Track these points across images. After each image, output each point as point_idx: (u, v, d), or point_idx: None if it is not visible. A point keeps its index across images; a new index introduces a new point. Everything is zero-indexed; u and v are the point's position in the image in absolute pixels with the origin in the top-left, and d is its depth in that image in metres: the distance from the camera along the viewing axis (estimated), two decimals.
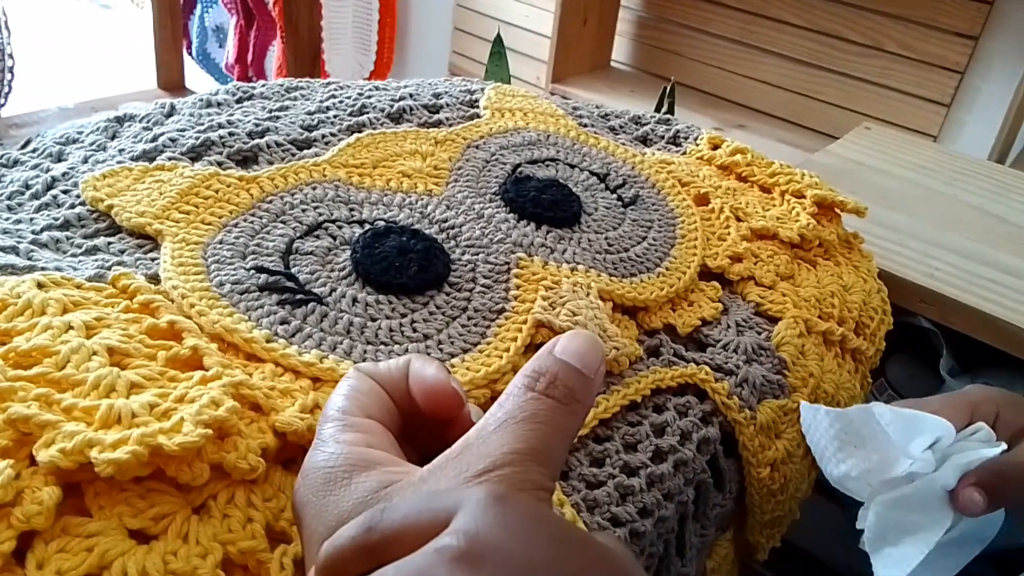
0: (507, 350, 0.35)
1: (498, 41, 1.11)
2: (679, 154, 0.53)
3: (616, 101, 1.43)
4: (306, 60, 1.72)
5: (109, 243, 0.37)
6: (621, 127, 0.56)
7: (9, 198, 0.40)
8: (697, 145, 0.54)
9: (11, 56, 1.84)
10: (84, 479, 0.24)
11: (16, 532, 0.22)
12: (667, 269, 0.42)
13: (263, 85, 0.52)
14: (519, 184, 0.44)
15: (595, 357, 0.22)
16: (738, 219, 0.47)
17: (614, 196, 0.46)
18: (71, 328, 0.28)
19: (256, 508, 0.26)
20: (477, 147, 0.48)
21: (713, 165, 0.52)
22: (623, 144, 0.52)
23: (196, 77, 1.95)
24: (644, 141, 0.55)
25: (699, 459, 0.36)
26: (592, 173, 0.47)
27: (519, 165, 0.47)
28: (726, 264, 0.43)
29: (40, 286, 0.31)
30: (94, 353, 0.27)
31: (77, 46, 2.46)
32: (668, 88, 0.95)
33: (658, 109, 0.96)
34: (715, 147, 0.54)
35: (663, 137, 0.56)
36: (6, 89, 1.86)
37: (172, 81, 1.68)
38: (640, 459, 0.34)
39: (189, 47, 2.12)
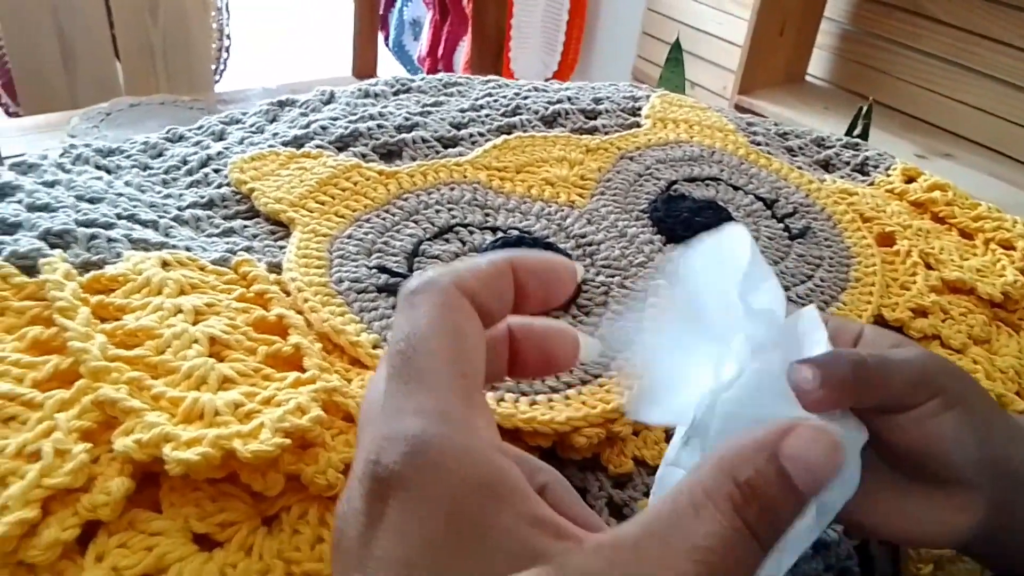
0: (629, 387, 0.31)
1: (676, 47, 1.05)
2: (865, 185, 0.47)
3: (807, 118, 1.33)
4: (490, 56, 1.74)
5: (245, 226, 0.37)
6: (800, 148, 0.50)
7: (166, 172, 0.42)
8: (888, 176, 0.47)
9: (228, 36, 2.00)
10: (161, 471, 0.23)
11: (81, 520, 0.21)
12: (835, 315, 0.36)
13: (422, 79, 0.51)
14: (671, 203, 0.40)
15: (828, 472, 0.16)
16: (928, 266, 0.40)
17: (780, 226, 0.41)
18: (180, 312, 0.28)
19: (328, 528, 0.24)
20: (631, 158, 0.44)
21: (905, 201, 0.45)
22: (799, 168, 0.46)
23: (390, 67, 2.03)
24: (825, 167, 0.49)
25: (846, 544, 0.31)
26: (758, 198, 0.42)
27: (675, 182, 0.43)
28: (907, 317, 0.37)
29: (164, 264, 0.31)
30: (195, 341, 0.26)
31: (284, 29, 2.64)
32: (865, 108, 0.86)
33: (850, 131, 0.87)
34: (909, 180, 0.47)
35: (848, 163, 0.49)
36: (221, 67, 2.03)
37: (366, 70, 1.75)
38: None
39: (387, 38, 2.21)
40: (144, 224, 0.35)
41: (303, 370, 0.27)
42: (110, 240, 0.32)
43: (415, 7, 2.20)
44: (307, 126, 0.44)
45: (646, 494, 0.30)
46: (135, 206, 0.36)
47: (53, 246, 0.30)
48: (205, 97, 1.54)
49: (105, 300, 0.28)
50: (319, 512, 0.24)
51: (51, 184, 0.36)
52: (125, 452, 0.22)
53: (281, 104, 0.49)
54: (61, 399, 0.24)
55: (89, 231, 0.32)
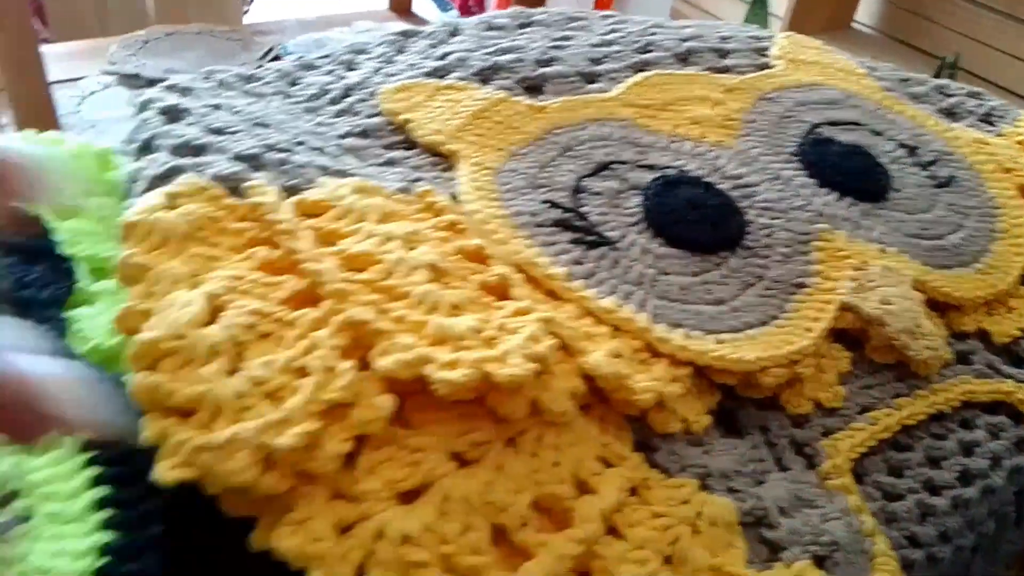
0: (809, 330, 0.32)
1: None
2: (993, 135, 0.47)
3: None
4: None
5: (405, 157, 0.37)
6: (924, 96, 0.49)
7: (308, 100, 0.41)
8: (1016, 127, 0.47)
9: None
10: (404, 392, 0.24)
11: (352, 434, 0.22)
12: (986, 266, 0.37)
13: (543, 12, 0.51)
14: (819, 146, 0.40)
15: None
16: None
17: (926, 174, 0.41)
18: (390, 239, 0.28)
19: (563, 452, 0.25)
20: (770, 100, 0.44)
21: None
22: (932, 115, 0.46)
23: (422, 1, 1.99)
24: (951, 115, 0.49)
25: (1008, 489, 0.32)
26: (901, 144, 0.42)
27: (818, 125, 0.42)
28: None
29: (359, 191, 0.31)
30: (416, 267, 0.27)
31: None
32: (951, 60, 0.84)
33: None
34: None
35: (973, 113, 0.49)
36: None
37: (403, 3, 1.72)
38: (945, 478, 0.30)
39: None
40: (315, 150, 0.35)
41: (512, 300, 0.28)
42: (299, 166, 0.32)
43: None
44: (442, 57, 0.44)
45: (824, 434, 0.31)
46: (300, 133, 0.36)
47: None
48: (237, 28, 1.51)
49: (315, 225, 0.28)
50: (553, 437, 0.25)
51: (215, 107, 0.36)
52: (387, 371, 0.23)
53: (405, 35, 0.48)
54: (314, 318, 0.24)
55: (277, 156, 0.32)
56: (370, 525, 0.21)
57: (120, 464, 0.23)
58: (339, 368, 0.23)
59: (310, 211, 0.29)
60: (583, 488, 0.25)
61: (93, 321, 0.28)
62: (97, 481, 0.23)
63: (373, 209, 0.30)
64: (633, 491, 0.26)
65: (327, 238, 0.28)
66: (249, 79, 0.43)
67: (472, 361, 0.23)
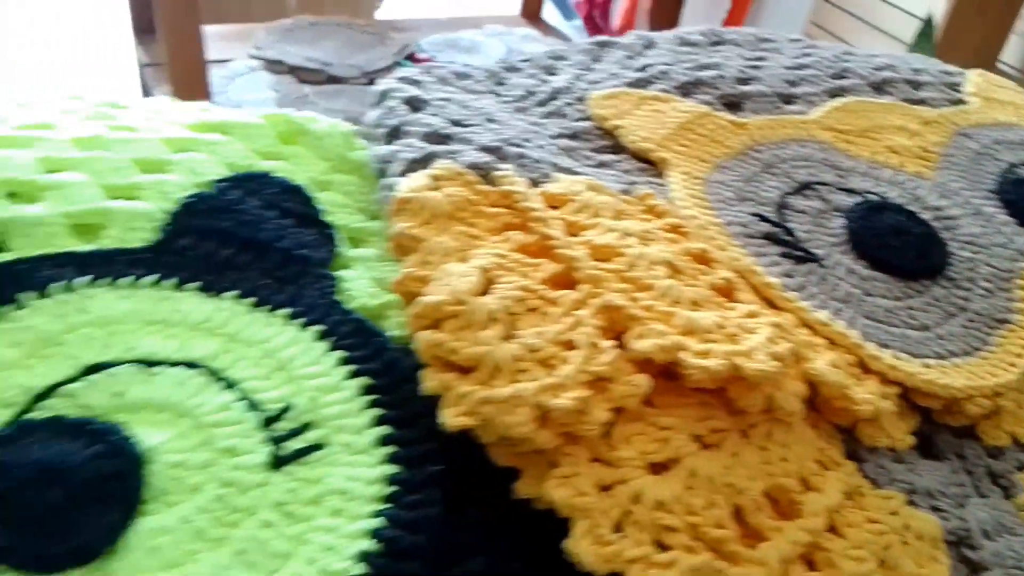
0: (1013, 365, 0.32)
1: (928, 25, 1.01)
2: None
3: None
4: (670, 10, 1.71)
5: (615, 161, 0.39)
6: None
7: (517, 100, 0.44)
8: None
9: None
10: (650, 375, 0.26)
11: (611, 406, 0.24)
12: None
13: (734, 32, 0.52)
14: (1018, 186, 0.41)
15: None
16: None
17: None
18: (629, 235, 0.31)
19: (790, 449, 0.27)
20: (968, 136, 0.44)
21: None
22: None
23: (549, 8, 2.02)
24: None
25: None
26: None
27: (1016, 165, 0.43)
28: None
29: (591, 189, 0.33)
30: (655, 263, 0.29)
31: None
32: None
33: None
34: None
35: None
36: None
37: (532, 10, 1.75)
38: None
39: None
40: (540, 148, 0.37)
41: (736, 302, 0.30)
42: (536, 160, 0.34)
43: None
44: (642, 69, 0.46)
45: (1019, 468, 0.32)
46: (522, 131, 0.39)
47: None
48: (373, 23, 1.57)
49: (559, 216, 0.31)
50: (781, 434, 0.27)
51: (447, 101, 0.39)
52: (643, 353, 0.25)
53: (600, 44, 0.51)
54: (574, 299, 0.27)
55: (515, 150, 0.35)
56: (627, 488, 0.23)
57: (398, 407, 0.26)
58: (602, 345, 0.25)
59: (552, 203, 0.32)
60: (807, 485, 0.26)
61: (355, 283, 0.31)
62: (380, 420, 0.26)
63: (607, 206, 0.32)
64: (847, 496, 0.27)
65: (570, 229, 0.30)
66: (461, 76, 0.46)
67: (724, 353, 0.25)
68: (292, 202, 0.33)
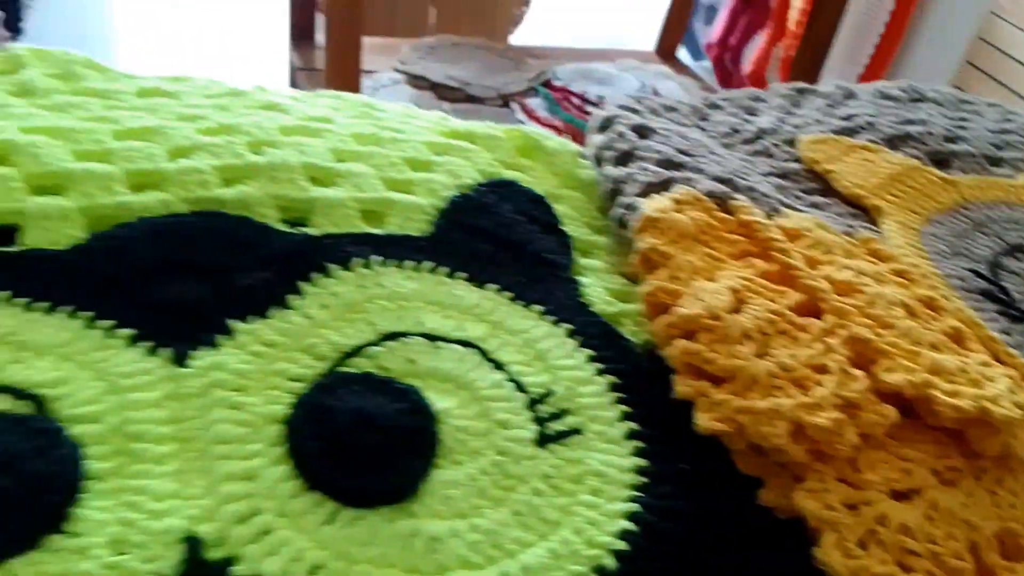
0: None
1: None
2: None
3: None
4: (813, 60, 1.70)
5: (826, 203, 0.41)
6: None
7: (723, 136, 0.47)
8: None
9: None
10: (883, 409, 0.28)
11: (861, 431, 0.26)
12: None
13: (934, 90, 0.53)
14: None
15: None
16: None
17: None
18: (863, 274, 0.32)
19: (1019, 496, 0.27)
20: None
21: None
22: None
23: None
24: None
25: None
26: None
27: None
28: None
29: (819, 227, 0.35)
30: (893, 303, 0.31)
31: None
32: None
33: None
34: None
35: None
36: (519, 21, 2.13)
37: (667, 48, 1.77)
38: None
39: None
40: (760, 183, 0.39)
41: (966, 350, 0.31)
42: (764, 194, 0.36)
43: None
44: (847, 118, 0.48)
45: None
46: (739, 166, 0.41)
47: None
48: (506, 46, 1.62)
49: (796, 248, 0.33)
50: (1011, 480, 0.28)
51: (668, 130, 0.42)
52: (894, 385, 0.27)
53: (799, 91, 0.53)
54: (822, 328, 0.28)
55: (744, 182, 0.37)
56: (873, 509, 0.25)
57: (643, 406, 0.29)
58: (854, 373, 0.27)
59: (787, 236, 0.34)
60: None
61: (592, 290, 0.34)
62: (626, 416, 0.28)
63: (837, 245, 0.34)
64: None
65: (808, 262, 0.32)
66: (668, 109, 0.48)
67: (972, 395, 0.26)
68: (537, 210, 0.36)
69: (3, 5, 1.29)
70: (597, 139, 0.41)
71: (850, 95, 0.52)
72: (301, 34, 1.52)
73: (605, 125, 0.42)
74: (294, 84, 1.47)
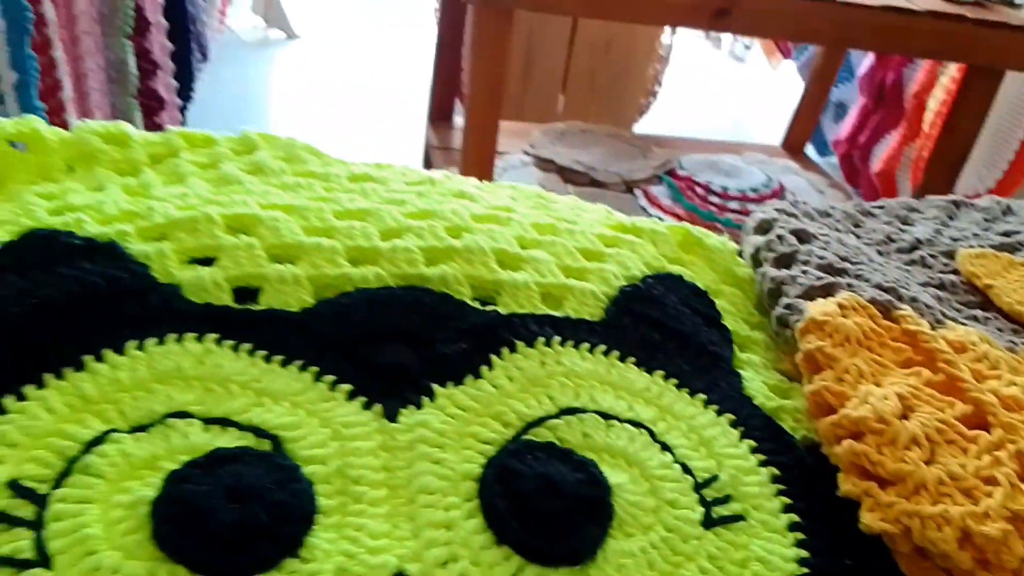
0: None
1: None
2: None
3: None
4: (952, 162, 1.66)
5: (986, 317, 0.41)
6: None
7: (878, 244, 0.48)
8: None
9: (660, 84, 2.15)
10: None
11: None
12: None
13: None
14: None
15: None
16: None
17: None
18: None
19: None
20: None
21: None
22: None
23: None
24: None
25: None
26: None
27: None
28: None
29: (983, 340, 0.36)
30: None
31: (700, 86, 2.76)
32: None
33: None
34: None
35: None
36: (645, 111, 2.18)
37: (795, 144, 1.78)
38: None
39: None
40: (920, 293, 0.40)
41: None
42: (927, 305, 0.37)
43: (846, 91, 2.17)
44: (1007, 235, 0.48)
45: None
46: (899, 275, 0.42)
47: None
48: (634, 134, 1.67)
49: (962, 360, 0.34)
50: None
51: (826, 235, 0.44)
52: None
53: (955, 204, 0.53)
54: (990, 440, 0.29)
55: (906, 292, 0.38)
56: None
57: (805, 499, 0.30)
58: (1023, 487, 0.27)
59: (953, 347, 0.35)
60: None
61: (752, 383, 0.35)
62: (787, 508, 0.30)
63: (1003, 360, 0.34)
64: None
65: (974, 375, 0.33)
66: (823, 214, 0.50)
67: None
68: (700, 303, 0.38)
69: (178, 75, 1.44)
70: (756, 240, 0.43)
71: (1008, 211, 0.52)
72: (440, 115, 1.63)
73: (765, 227, 0.44)
74: (428, 161, 1.57)
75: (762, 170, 1.50)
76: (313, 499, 0.26)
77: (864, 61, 2.00)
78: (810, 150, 2.25)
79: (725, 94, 2.85)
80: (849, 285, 0.37)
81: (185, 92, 1.49)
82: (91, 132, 0.39)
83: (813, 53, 1.85)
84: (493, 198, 0.43)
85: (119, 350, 0.29)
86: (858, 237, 0.49)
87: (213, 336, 0.30)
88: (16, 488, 0.24)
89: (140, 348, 0.29)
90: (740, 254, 0.44)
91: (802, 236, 0.42)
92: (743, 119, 2.68)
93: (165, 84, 1.38)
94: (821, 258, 0.40)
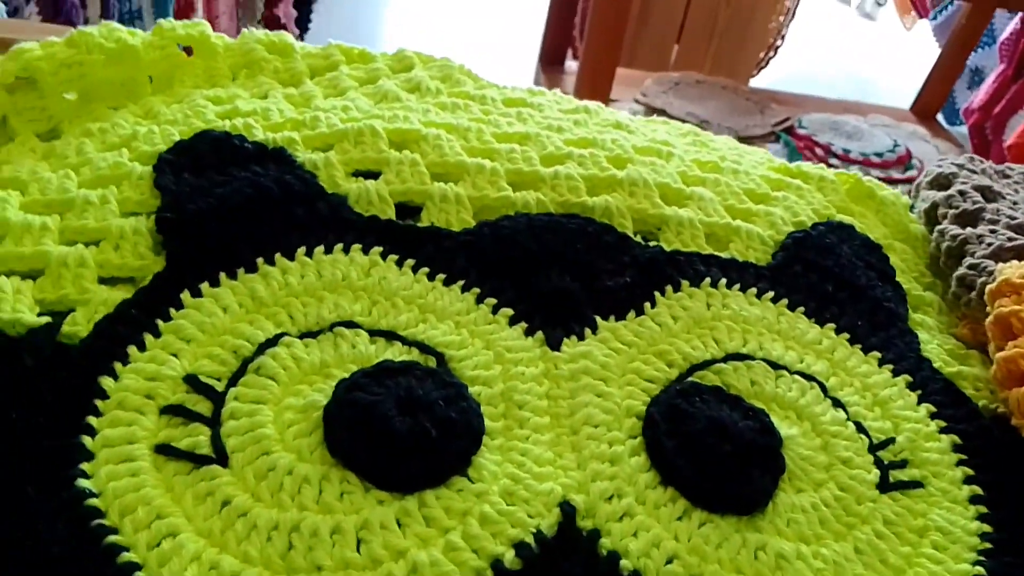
0: None
1: None
2: None
3: None
4: None
5: None
6: None
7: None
8: None
9: (783, 38, 2.03)
10: None
11: None
12: None
13: None
14: None
15: None
16: None
17: None
18: None
19: None
20: None
21: None
22: None
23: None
24: None
25: None
26: None
27: None
28: None
29: None
30: None
31: (825, 43, 2.60)
32: None
33: None
34: None
35: None
36: (763, 64, 2.07)
37: (927, 109, 1.66)
38: None
39: None
40: None
41: None
42: None
43: (986, 55, 2.01)
44: None
45: None
46: None
47: None
48: (752, 88, 1.58)
49: None
50: None
51: (1013, 194, 0.40)
52: None
53: None
54: None
55: None
56: None
57: (987, 471, 0.28)
58: None
59: None
60: None
61: (928, 346, 0.33)
62: (968, 479, 0.28)
63: None
64: None
65: None
66: (1003, 175, 0.46)
67: None
68: (874, 257, 0.36)
69: (297, 3, 1.46)
70: (933, 195, 0.40)
71: None
72: (551, 58, 1.59)
73: (943, 182, 0.41)
74: None
75: (888, 134, 1.41)
76: (482, 419, 0.25)
77: (1008, 25, 1.83)
78: (939, 118, 2.10)
79: (852, 53, 2.69)
80: None
81: (303, 21, 1.50)
82: (256, 40, 0.39)
83: (953, 12, 1.71)
84: (650, 132, 0.41)
85: (290, 255, 0.29)
86: None
87: (378, 249, 0.30)
88: (193, 383, 0.25)
89: (309, 255, 0.29)
90: (912, 209, 0.41)
91: (987, 194, 0.39)
92: (869, 80, 2.52)
93: (286, 12, 1.40)
94: (1012, 218, 0.36)
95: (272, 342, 0.26)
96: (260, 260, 0.29)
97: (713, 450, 0.26)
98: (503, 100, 0.40)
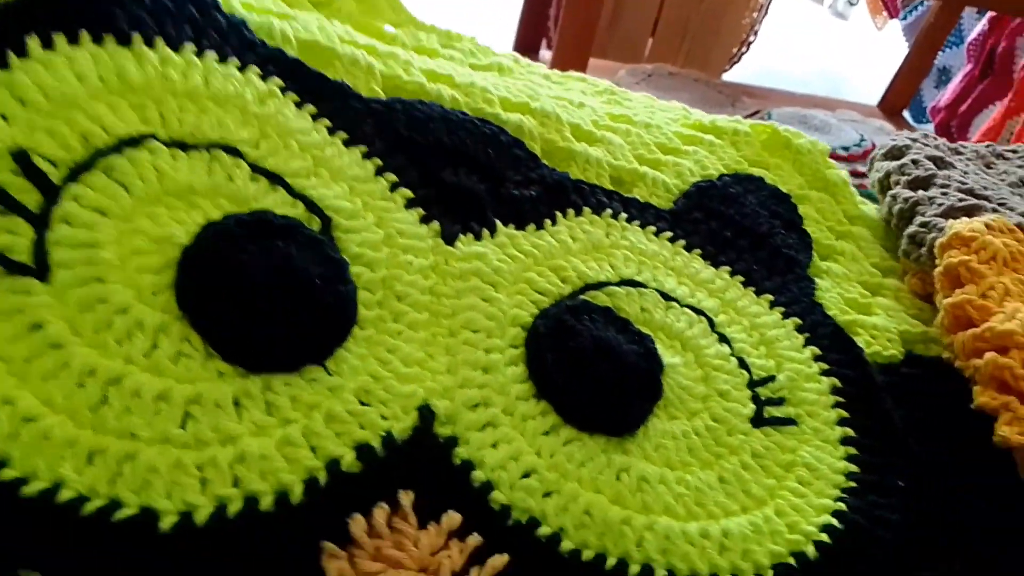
0: None
1: None
2: None
3: None
4: None
5: None
6: None
7: (1011, 185, 0.44)
8: None
9: (756, 34, 2.04)
10: None
11: None
12: None
13: None
14: None
15: None
16: None
17: None
18: None
19: None
20: None
21: None
22: None
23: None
24: None
25: None
26: None
27: None
28: None
29: None
30: None
31: (796, 41, 2.62)
32: None
33: None
34: None
35: None
36: (735, 60, 2.08)
37: (894, 105, 1.68)
38: None
39: None
40: None
41: None
42: None
43: (952, 56, 2.04)
44: None
45: None
46: None
47: None
48: (724, 82, 1.59)
49: None
50: None
51: (963, 165, 0.40)
52: None
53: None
54: None
55: None
56: None
57: (862, 415, 0.28)
58: None
59: None
60: None
61: (827, 293, 0.33)
62: (842, 421, 0.28)
63: None
64: None
65: None
66: (953, 151, 0.47)
67: None
68: (781, 207, 0.36)
69: None
70: (886, 164, 0.40)
71: None
72: (525, 48, 1.57)
73: (896, 153, 0.41)
74: None
75: (855, 129, 1.42)
76: (355, 306, 0.23)
77: (976, 26, 1.86)
78: (905, 116, 2.13)
79: (823, 51, 2.71)
80: (994, 210, 0.34)
81: None
82: None
83: (923, 13, 1.73)
84: (563, 90, 0.40)
85: (173, 46, 0.23)
86: (987, 176, 0.45)
87: (278, 81, 0.25)
88: (23, 163, 0.19)
89: (199, 55, 0.24)
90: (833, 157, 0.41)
91: (938, 162, 0.39)
92: (839, 78, 2.55)
93: None
94: (962, 183, 0.37)
95: (134, 142, 0.21)
96: (136, 36, 0.22)
97: (594, 369, 0.25)
98: (438, 38, 0.39)
